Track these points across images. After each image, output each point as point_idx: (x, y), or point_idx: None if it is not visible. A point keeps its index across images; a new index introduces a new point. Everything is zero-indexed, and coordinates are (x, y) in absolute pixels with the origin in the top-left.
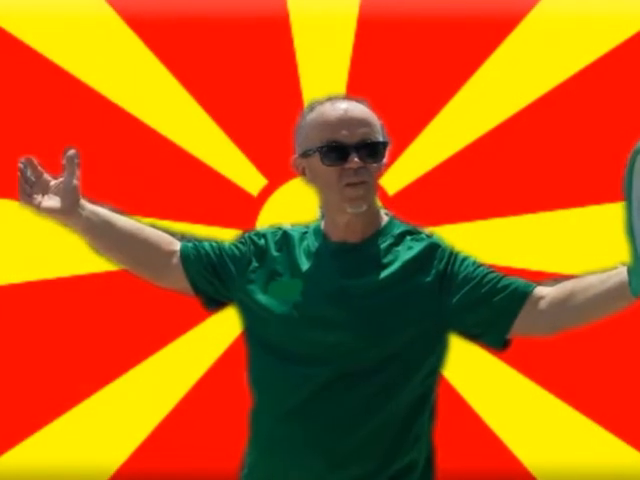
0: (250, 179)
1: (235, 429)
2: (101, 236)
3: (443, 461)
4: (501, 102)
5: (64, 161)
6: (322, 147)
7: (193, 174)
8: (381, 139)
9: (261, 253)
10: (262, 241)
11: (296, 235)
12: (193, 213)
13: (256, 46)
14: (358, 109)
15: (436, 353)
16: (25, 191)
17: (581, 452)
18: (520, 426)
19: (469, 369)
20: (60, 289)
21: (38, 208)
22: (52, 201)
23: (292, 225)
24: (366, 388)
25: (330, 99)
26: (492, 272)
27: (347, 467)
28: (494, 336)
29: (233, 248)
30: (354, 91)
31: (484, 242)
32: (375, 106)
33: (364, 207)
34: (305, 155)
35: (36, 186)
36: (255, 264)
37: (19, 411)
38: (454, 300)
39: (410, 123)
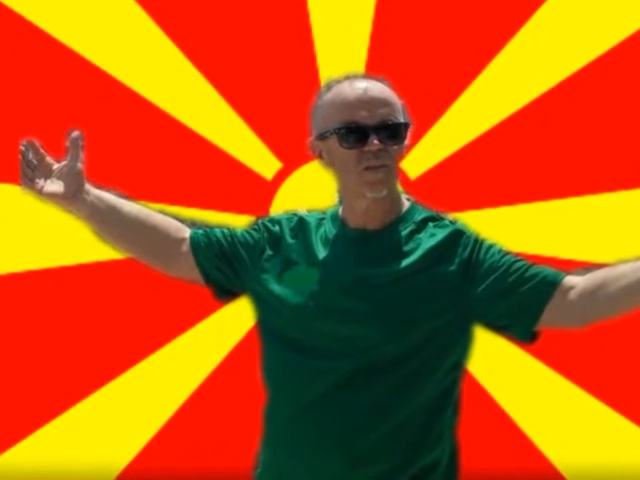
0: (264, 162)
1: (248, 426)
2: (107, 223)
3: (467, 459)
4: (528, 82)
5: (68, 143)
6: (340, 129)
7: (204, 157)
8: (402, 120)
9: (275, 240)
10: (276, 228)
11: (312, 221)
12: (204, 198)
13: (270, 23)
14: (378, 88)
15: (460, 346)
16: (26, 175)
17: (613, 451)
18: (549, 423)
19: (495, 363)
20: (63, 278)
21: (40, 193)
22: (55, 186)
23: (308, 211)
24: (386, 383)
25: (348, 78)
26: (519, 260)
27: (366, 466)
28: (521, 328)
29: (246, 235)
30: (374, 69)
31: (511, 229)
32: (396, 85)
33: (384, 192)
34: (322, 137)
35: (38, 170)
36: (269, 252)
37: (21, 407)
38: (479, 290)
39: (433, 103)
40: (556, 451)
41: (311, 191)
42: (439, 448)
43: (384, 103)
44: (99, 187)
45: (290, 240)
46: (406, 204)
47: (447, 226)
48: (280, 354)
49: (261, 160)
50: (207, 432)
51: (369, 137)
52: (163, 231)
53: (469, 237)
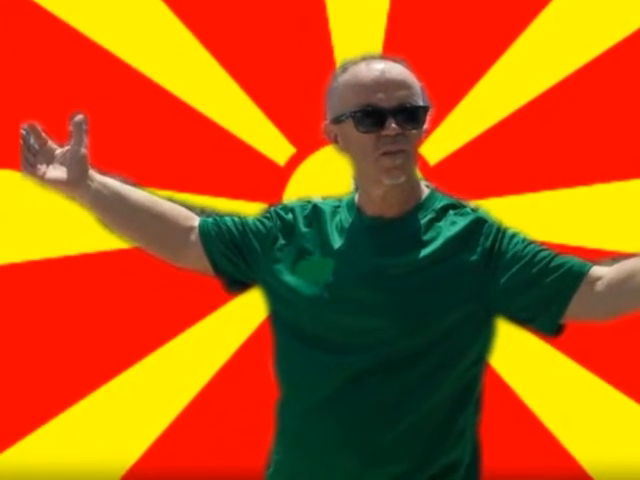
0: (277, 147)
1: (259, 424)
2: (112, 210)
3: (490, 458)
4: (554, 63)
5: (71, 127)
6: (356, 112)
7: (214, 142)
8: (421, 103)
9: (289, 229)
10: (290, 216)
11: (327, 209)
12: (214, 185)
13: (283, 1)
14: (396, 70)
15: (482, 339)
16: (28, 161)
17: None
18: (575, 420)
19: (518, 357)
20: (66, 269)
21: (42, 179)
22: (58, 172)
23: (323, 198)
24: (405, 378)
25: (365, 59)
26: (544, 250)
27: (383, 465)
28: (546, 321)
29: (258, 224)
30: (391, 50)
31: (535, 217)
32: (414, 66)
33: (402, 178)
34: (337, 121)
35: (40, 155)
36: (282, 241)
37: (22, 404)
38: (502, 281)
39: (453, 86)
40: (582, 450)
41: (326, 177)
42: (460, 447)
43: (402, 85)
44: (104, 173)
45: (304, 229)
46: (425, 191)
47: (468, 214)
48: (293, 348)
49: (273, 145)
50: (216, 430)
51: (386, 121)
52: (171, 219)
53: (491, 226)
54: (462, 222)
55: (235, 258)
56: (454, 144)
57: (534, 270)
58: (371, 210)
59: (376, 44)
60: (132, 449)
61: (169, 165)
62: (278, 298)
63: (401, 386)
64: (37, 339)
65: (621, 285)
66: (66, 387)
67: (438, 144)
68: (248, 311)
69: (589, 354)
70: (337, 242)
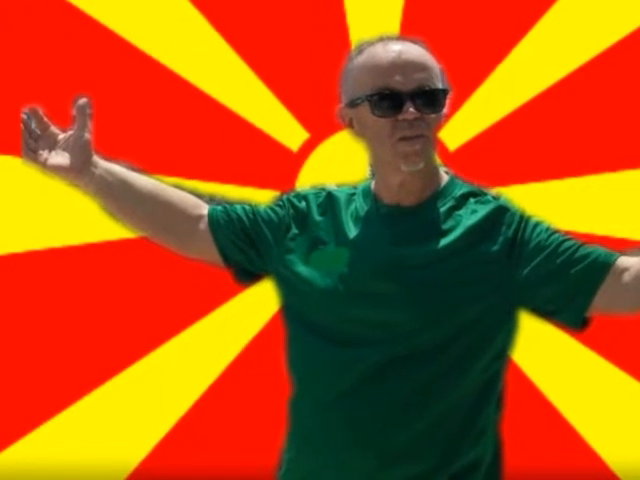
0: (290, 132)
1: (271, 421)
2: (117, 198)
3: (512, 457)
4: (578, 45)
5: (74, 111)
6: (372, 95)
7: (224, 127)
8: (440, 86)
9: (302, 218)
10: (303, 204)
11: (342, 197)
12: (224, 171)
13: None
14: (414, 51)
15: (504, 333)
16: (29, 146)
17: None
18: (601, 418)
19: (542, 352)
20: (69, 259)
21: (44, 166)
22: (60, 158)
23: (337, 185)
24: (423, 374)
25: (382, 40)
26: (569, 240)
27: (400, 465)
28: (571, 314)
29: (269, 212)
30: (409, 31)
31: (559, 205)
32: (433, 48)
33: (421, 165)
34: (353, 104)
35: (42, 140)
36: (295, 230)
37: (24, 401)
38: (525, 272)
39: (473, 68)
40: (608, 448)
41: (340, 164)
42: (481, 445)
43: (421, 67)
44: (108, 159)
45: (318, 217)
46: (445, 178)
47: (489, 202)
48: (307, 342)
49: (286, 130)
50: (226, 428)
51: (404, 104)
52: (179, 207)
53: (514, 214)
54: (483, 211)
55: (246, 248)
56: (475, 129)
57: (558, 261)
58: (388, 198)
59: (393, 25)
60: (138, 448)
61: (177, 151)
62: (291, 290)
63: (419, 382)
64: (39, 333)
65: None
66: (70, 383)
67: (458, 129)
68: (259, 303)
69: (616, 348)
70: (352, 231)
